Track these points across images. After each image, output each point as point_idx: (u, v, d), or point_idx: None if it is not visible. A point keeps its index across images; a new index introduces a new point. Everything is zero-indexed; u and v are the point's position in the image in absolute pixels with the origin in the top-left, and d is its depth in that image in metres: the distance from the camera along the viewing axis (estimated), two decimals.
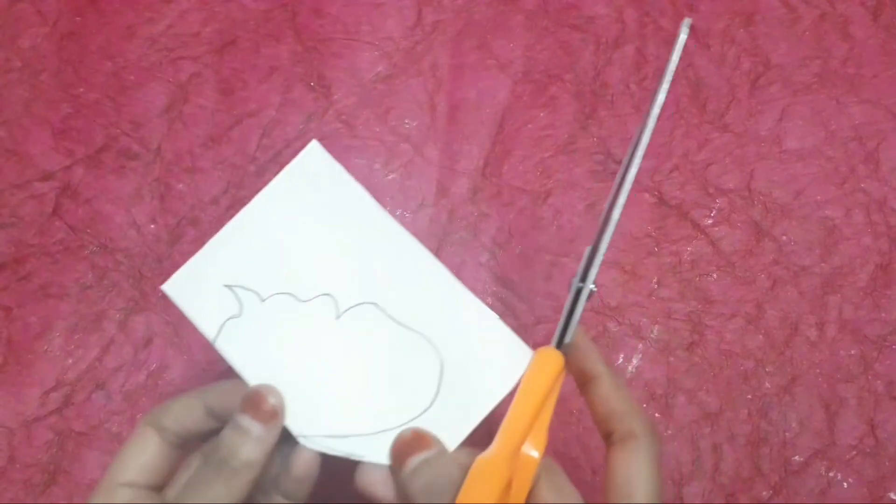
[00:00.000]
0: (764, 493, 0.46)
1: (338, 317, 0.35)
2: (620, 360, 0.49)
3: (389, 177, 0.54)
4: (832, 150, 0.53)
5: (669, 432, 0.47)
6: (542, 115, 0.55)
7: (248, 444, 0.32)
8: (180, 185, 0.53)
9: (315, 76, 0.56)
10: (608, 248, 0.51)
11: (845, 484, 0.46)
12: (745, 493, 0.46)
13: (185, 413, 0.34)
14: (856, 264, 0.50)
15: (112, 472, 0.33)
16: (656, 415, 0.47)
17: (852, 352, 0.48)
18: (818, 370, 0.48)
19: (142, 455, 0.33)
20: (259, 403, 0.33)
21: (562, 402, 0.48)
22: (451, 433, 0.33)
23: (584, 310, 0.49)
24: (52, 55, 0.57)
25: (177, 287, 0.35)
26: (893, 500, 0.45)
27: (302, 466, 0.33)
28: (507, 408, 0.33)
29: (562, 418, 0.48)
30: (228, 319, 0.35)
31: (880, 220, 0.51)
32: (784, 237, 0.51)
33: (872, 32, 0.56)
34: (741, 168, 0.53)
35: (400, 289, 0.35)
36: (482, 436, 0.34)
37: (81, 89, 0.56)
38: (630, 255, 0.51)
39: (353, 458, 0.33)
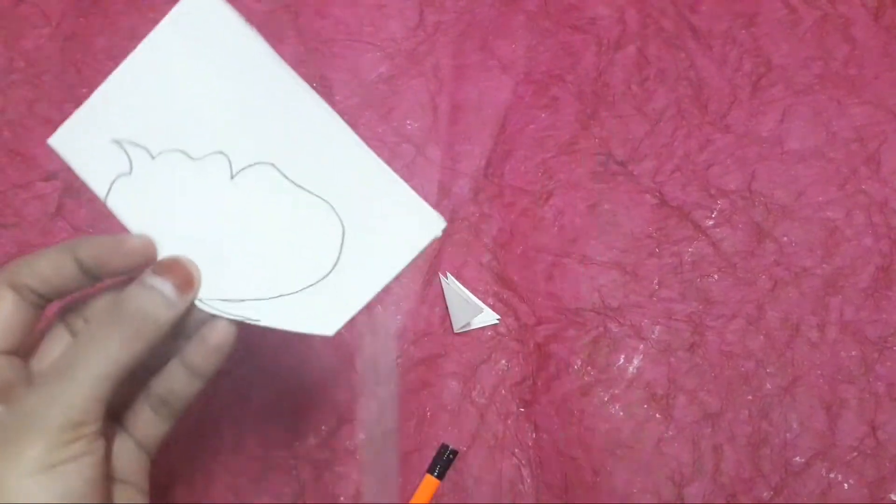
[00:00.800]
0: (765, 493, 0.46)
1: (232, 176, 0.33)
2: (621, 360, 0.49)
3: None
4: (833, 151, 0.53)
5: (670, 433, 0.47)
6: (543, 115, 0.55)
7: (157, 303, 0.30)
8: None
9: (317, 77, 0.57)
10: (608, 250, 0.51)
11: (846, 485, 0.46)
12: (745, 493, 0.46)
13: (53, 268, 0.31)
14: (857, 265, 0.50)
15: None
16: (657, 415, 0.48)
17: (853, 353, 0.48)
18: (819, 371, 0.48)
19: None
20: (172, 268, 0.31)
21: (563, 401, 0.48)
22: (351, 299, 0.32)
23: (586, 310, 0.50)
24: (55, 56, 0.57)
25: (63, 141, 0.33)
26: (894, 501, 0.45)
27: (216, 337, 0.32)
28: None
29: (563, 418, 0.48)
30: (119, 177, 0.33)
31: (881, 221, 0.51)
32: (785, 238, 0.51)
33: (874, 34, 0.56)
34: (742, 169, 0.53)
35: (301, 150, 0.33)
36: None
37: (84, 90, 0.56)
38: (631, 255, 0.51)
39: (247, 321, 0.32)
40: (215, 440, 0.48)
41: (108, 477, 0.30)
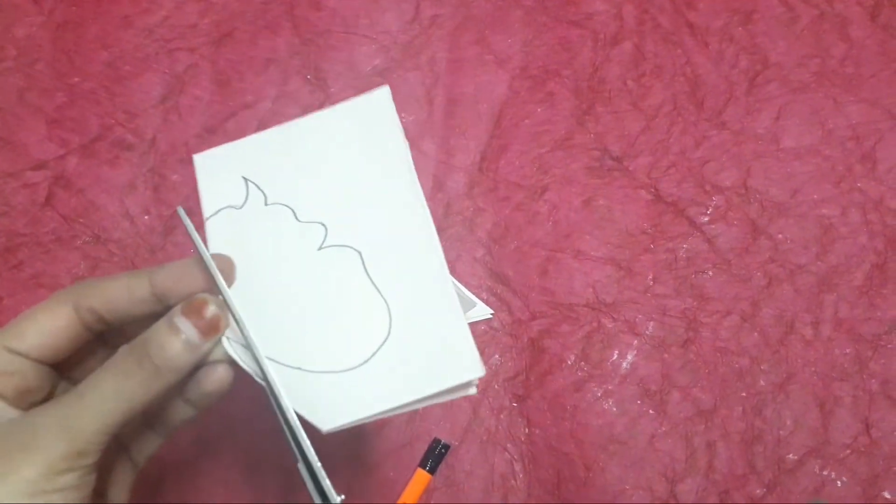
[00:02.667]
0: (758, 490, 0.46)
1: (320, 248, 0.35)
2: (615, 356, 0.49)
3: None
4: (829, 148, 0.53)
5: (663, 429, 0.47)
6: (539, 110, 0.55)
7: (179, 345, 0.30)
8: (175, 176, 0.53)
9: (312, 69, 0.56)
10: (602, 245, 0.51)
11: (839, 482, 0.45)
12: (738, 490, 0.46)
13: (125, 292, 0.31)
14: (852, 263, 0.50)
15: (4, 333, 0.31)
16: (650, 411, 0.47)
17: (847, 350, 0.48)
18: (813, 368, 0.48)
19: (44, 323, 0.31)
20: (200, 310, 0.31)
21: (556, 397, 0.48)
22: (361, 405, 0.31)
23: (580, 305, 0.50)
24: (47, 44, 0.57)
25: (205, 161, 0.36)
26: (887, 498, 0.45)
27: (211, 383, 0.32)
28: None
29: (555, 413, 0.47)
30: (229, 206, 0.35)
31: (876, 219, 0.51)
32: (780, 235, 0.51)
33: (870, 32, 0.56)
34: (738, 166, 0.53)
35: (389, 251, 0.34)
36: None
37: (76, 79, 0.56)
38: (626, 251, 0.51)
39: (258, 380, 0.32)
40: (205, 433, 0.47)
41: None
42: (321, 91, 0.56)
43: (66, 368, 0.34)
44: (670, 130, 0.54)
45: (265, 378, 0.31)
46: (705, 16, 0.57)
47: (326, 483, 0.31)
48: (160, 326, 0.30)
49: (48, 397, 0.32)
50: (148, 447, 0.35)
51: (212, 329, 0.31)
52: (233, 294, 0.33)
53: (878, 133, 0.53)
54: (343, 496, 0.31)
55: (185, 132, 0.54)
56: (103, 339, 0.35)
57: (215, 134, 0.54)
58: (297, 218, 0.35)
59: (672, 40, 0.56)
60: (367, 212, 0.35)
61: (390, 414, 0.31)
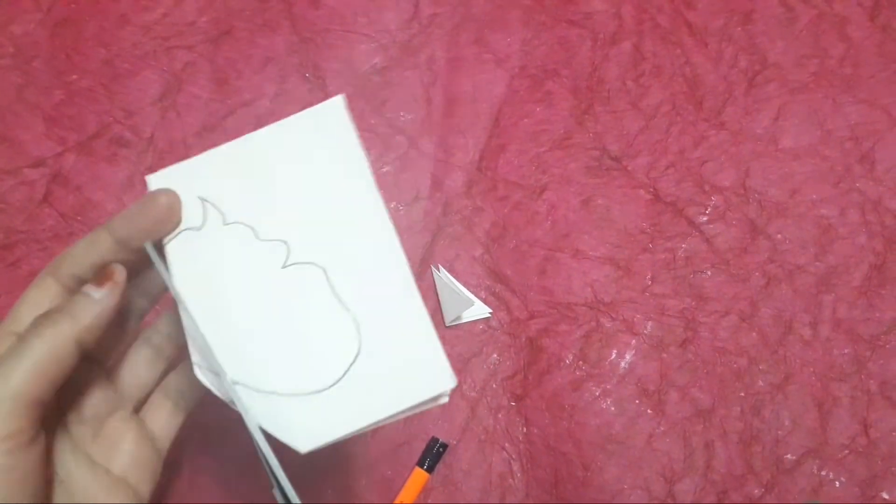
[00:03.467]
0: (756, 491, 0.46)
1: (283, 266, 0.34)
2: (613, 355, 0.48)
3: (384, 169, 0.53)
4: (828, 149, 0.53)
5: (661, 429, 0.47)
6: (538, 109, 0.55)
7: (80, 301, 0.30)
8: None
9: (310, 67, 0.56)
10: (601, 245, 0.51)
11: (837, 483, 0.45)
12: (736, 490, 0.46)
13: (89, 250, 0.32)
14: (850, 264, 0.50)
15: (5, 321, 0.31)
16: (648, 411, 0.47)
17: (846, 351, 0.48)
18: (811, 369, 0.48)
19: (36, 305, 0.31)
20: (104, 277, 0.31)
21: (554, 396, 0.48)
22: (337, 424, 0.31)
23: (578, 305, 0.50)
24: (45, 41, 0.56)
25: (159, 182, 0.35)
26: (885, 499, 0.45)
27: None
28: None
29: (553, 413, 0.47)
30: (187, 229, 0.34)
31: (875, 219, 0.51)
32: (779, 235, 0.51)
33: (869, 33, 0.56)
34: (737, 166, 0.53)
35: (354, 266, 0.33)
36: None
37: (74, 76, 0.55)
38: (624, 251, 0.51)
39: (232, 405, 0.31)
40: (203, 433, 0.47)
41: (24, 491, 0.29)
42: (320, 89, 0.55)
43: (95, 352, 0.34)
44: (669, 130, 0.54)
45: (245, 409, 0.31)
46: (704, 16, 0.57)
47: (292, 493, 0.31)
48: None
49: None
50: (172, 422, 0.36)
51: (104, 277, 0.31)
52: (198, 318, 0.33)
53: (876, 133, 0.53)
54: None
55: (183, 130, 0.54)
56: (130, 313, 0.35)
57: (214, 132, 0.54)
58: (257, 237, 0.34)
59: (671, 40, 0.56)
60: (328, 226, 0.34)
61: (367, 429, 0.31)
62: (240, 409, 0.31)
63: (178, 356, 0.37)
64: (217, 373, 0.32)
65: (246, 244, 0.34)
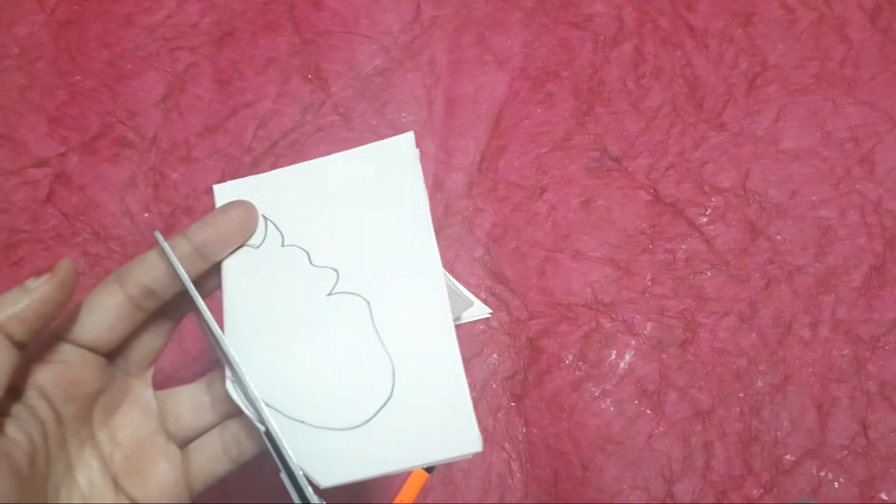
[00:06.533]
0: (755, 491, 0.46)
1: (330, 293, 0.34)
2: (613, 356, 0.49)
3: None
4: (828, 150, 0.53)
5: (661, 429, 0.47)
6: (539, 111, 0.55)
7: (17, 290, 0.28)
8: (175, 175, 0.53)
9: (312, 68, 0.56)
10: (601, 245, 0.51)
11: (836, 484, 0.45)
12: (735, 491, 0.46)
13: (150, 266, 0.31)
14: (850, 265, 0.50)
15: (59, 325, 0.30)
16: (647, 411, 0.47)
17: (845, 352, 0.48)
18: (811, 370, 0.48)
19: (95, 311, 0.30)
20: (47, 268, 0.29)
21: (553, 396, 0.48)
22: (359, 465, 0.31)
23: (578, 305, 0.50)
24: (49, 42, 0.57)
25: (224, 193, 0.35)
26: (884, 500, 0.45)
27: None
28: None
29: (553, 413, 0.47)
30: (247, 245, 0.34)
31: (875, 221, 0.51)
32: (779, 236, 0.51)
33: (870, 35, 0.56)
34: (737, 167, 0.53)
35: (398, 305, 0.33)
36: None
37: (78, 77, 0.56)
38: (624, 251, 0.51)
39: (260, 427, 0.31)
40: None
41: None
42: (321, 91, 0.56)
43: (130, 359, 0.33)
44: (669, 131, 0.54)
45: (261, 420, 0.31)
46: (705, 18, 0.57)
47: (309, 490, 0.31)
48: None
49: (99, 393, 0.31)
50: (216, 466, 0.34)
51: (46, 269, 0.29)
52: (241, 336, 0.33)
53: (876, 135, 0.53)
54: (323, 502, 0.31)
55: (185, 131, 0.54)
56: (167, 318, 0.34)
57: (216, 132, 0.54)
58: (311, 262, 0.34)
59: (672, 42, 0.57)
60: (379, 260, 0.34)
61: (388, 475, 0.31)
62: (266, 423, 0.31)
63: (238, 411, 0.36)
64: (244, 388, 0.32)
65: (299, 268, 0.34)
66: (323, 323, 0.33)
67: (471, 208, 0.53)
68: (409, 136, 0.35)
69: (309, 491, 0.31)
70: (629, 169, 0.53)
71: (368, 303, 0.33)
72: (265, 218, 0.35)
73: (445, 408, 0.32)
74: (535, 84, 0.56)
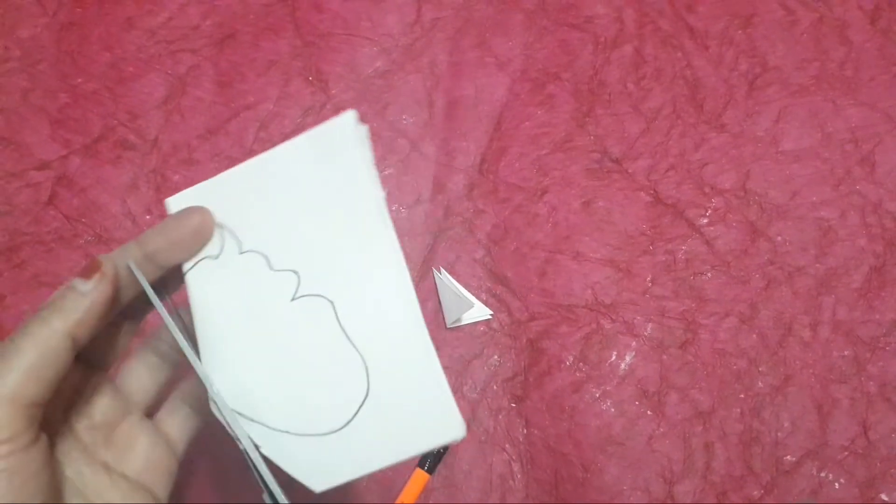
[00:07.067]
0: (755, 492, 0.46)
1: (293, 298, 0.33)
2: (613, 357, 0.49)
3: (386, 172, 0.54)
4: (828, 151, 0.53)
5: (661, 430, 0.47)
6: (539, 112, 0.55)
7: (65, 292, 0.29)
8: (176, 177, 0.53)
9: (313, 71, 0.57)
10: (601, 247, 0.51)
11: (837, 484, 0.46)
12: (736, 492, 0.46)
13: (120, 259, 0.31)
14: (850, 266, 0.50)
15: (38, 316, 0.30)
16: (648, 412, 0.47)
17: (845, 353, 0.48)
18: (811, 371, 0.48)
19: (69, 308, 0.30)
20: (91, 269, 0.30)
21: (554, 397, 0.48)
22: (349, 465, 0.31)
23: (579, 306, 0.50)
24: (51, 45, 0.57)
25: (178, 204, 0.34)
26: (885, 500, 0.45)
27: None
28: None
29: (554, 414, 0.47)
30: (206, 257, 0.33)
31: (875, 222, 0.51)
32: (779, 238, 0.51)
33: (870, 36, 0.56)
34: (737, 168, 0.53)
35: (363, 301, 0.32)
36: None
37: (80, 80, 0.56)
38: (625, 253, 0.51)
39: (241, 442, 0.32)
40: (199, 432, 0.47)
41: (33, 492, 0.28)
42: (322, 93, 0.56)
43: (95, 359, 0.34)
44: (670, 133, 0.54)
45: (255, 445, 0.32)
46: (705, 19, 0.57)
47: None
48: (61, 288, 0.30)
49: (72, 390, 0.32)
50: (188, 426, 0.36)
51: (90, 270, 0.30)
52: (215, 351, 0.33)
53: (876, 136, 0.53)
54: None
55: (187, 133, 0.55)
56: (129, 319, 0.35)
57: (217, 134, 0.54)
58: (270, 266, 0.33)
59: (672, 43, 0.57)
60: (336, 256, 0.33)
61: (380, 470, 0.31)
62: (230, 427, 0.32)
63: (185, 363, 0.37)
64: (238, 411, 0.32)
65: (260, 275, 0.33)
66: (292, 329, 0.33)
67: (471, 210, 0.53)
68: (349, 116, 0.33)
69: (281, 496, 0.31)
70: (629, 170, 0.53)
71: (332, 303, 0.32)
72: (220, 226, 0.34)
73: (424, 398, 0.31)
74: (536, 86, 0.56)
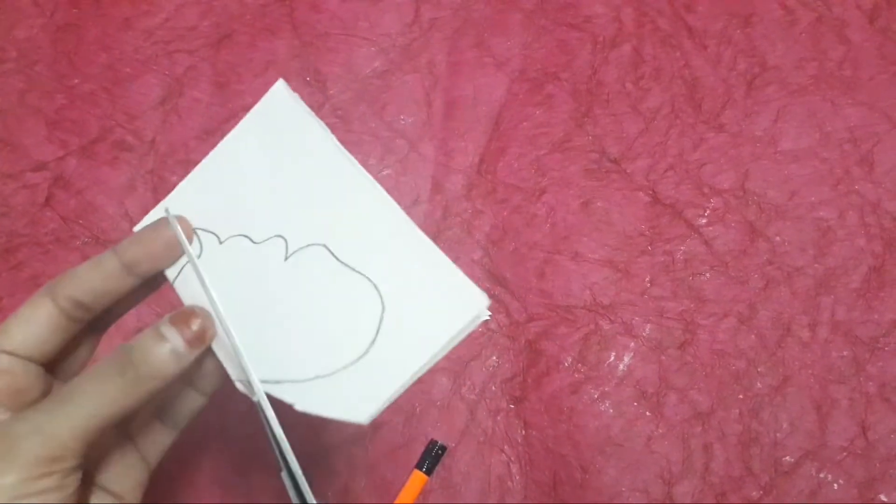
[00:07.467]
0: (754, 493, 0.46)
1: (286, 258, 0.34)
2: (612, 358, 0.49)
3: (384, 172, 0.54)
4: (827, 151, 0.53)
5: (660, 431, 0.47)
6: (538, 112, 0.55)
7: (164, 353, 0.30)
8: (174, 178, 0.53)
9: (311, 71, 0.56)
10: (600, 247, 0.51)
11: (836, 485, 0.45)
12: (735, 493, 0.46)
13: (93, 272, 0.32)
14: (849, 266, 0.50)
15: None
16: (647, 413, 0.47)
17: (844, 353, 0.48)
18: (810, 371, 0.48)
19: (29, 321, 0.31)
20: (188, 320, 0.31)
21: (552, 398, 0.48)
22: (386, 383, 0.31)
23: (577, 307, 0.50)
24: (47, 46, 0.57)
25: (157, 216, 0.35)
26: (884, 501, 0.45)
27: (212, 363, 0.33)
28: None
29: (552, 415, 0.47)
30: (188, 263, 0.34)
31: (874, 222, 0.51)
32: (778, 238, 0.51)
33: (869, 35, 0.56)
34: (736, 168, 0.53)
35: (350, 230, 0.33)
36: None
37: (76, 80, 0.56)
38: (623, 253, 0.51)
39: (285, 402, 0.31)
40: (200, 432, 0.47)
41: None
42: (320, 93, 0.56)
43: (58, 369, 0.34)
44: (668, 133, 0.54)
45: (252, 389, 0.32)
46: (704, 19, 0.57)
47: (306, 488, 0.31)
48: (147, 334, 0.31)
49: (42, 399, 0.32)
50: (158, 441, 0.35)
51: (198, 340, 0.31)
52: (222, 342, 0.33)
53: (875, 136, 0.53)
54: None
55: (184, 134, 0.54)
56: (93, 331, 0.35)
57: (214, 135, 0.54)
58: (254, 241, 0.34)
59: (670, 43, 0.57)
60: (316, 205, 0.34)
61: (419, 375, 0.31)
62: (254, 387, 0.32)
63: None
64: (264, 380, 0.32)
65: (246, 252, 0.34)
66: (294, 284, 0.33)
67: (470, 210, 0.53)
68: (278, 84, 0.35)
69: (307, 490, 0.31)
70: (628, 170, 0.53)
71: (325, 245, 0.33)
72: (194, 229, 0.35)
73: (438, 287, 0.31)
74: (534, 86, 0.56)
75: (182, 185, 0.36)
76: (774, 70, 0.55)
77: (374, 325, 0.32)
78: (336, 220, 0.34)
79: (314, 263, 0.33)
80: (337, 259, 0.33)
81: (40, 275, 0.51)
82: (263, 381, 0.32)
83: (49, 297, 0.32)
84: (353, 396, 0.31)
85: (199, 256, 0.34)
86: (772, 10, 0.57)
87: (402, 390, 0.31)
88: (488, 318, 0.31)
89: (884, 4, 0.57)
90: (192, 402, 0.35)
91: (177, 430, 0.35)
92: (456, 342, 0.31)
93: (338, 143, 0.34)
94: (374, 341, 0.31)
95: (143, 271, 0.33)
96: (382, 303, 0.32)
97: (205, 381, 0.34)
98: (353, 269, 0.33)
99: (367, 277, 0.32)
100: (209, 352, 0.33)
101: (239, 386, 0.32)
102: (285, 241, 0.34)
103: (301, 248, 0.34)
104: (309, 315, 0.33)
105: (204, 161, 0.36)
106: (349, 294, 0.32)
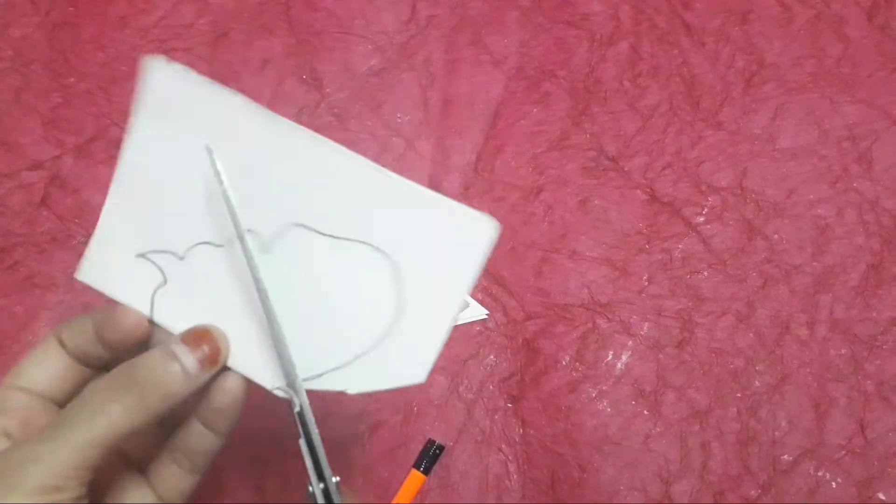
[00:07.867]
0: (752, 491, 0.46)
1: (265, 250, 0.31)
2: (610, 356, 0.48)
3: None
4: (825, 149, 0.53)
5: (658, 430, 0.47)
6: (535, 110, 0.55)
7: (174, 374, 0.29)
8: None
9: (307, 69, 0.56)
10: (597, 245, 0.51)
11: (834, 483, 0.45)
12: (733, 491, 0.46)
13: (78, 332, 0.31)
14: (847, 264, 0.50)
15: (9, 376, 0.31)
16: (645, 412, 0.47)
17: (843, 351, 0.48)
18: (808, 369, 0.48)
19: (41, 362, 0.31)
20: (201, 339, 0.30)
21: (550, 397, 0.48)
22: (428, 337, 0.30)
23: (575, 306, 0.50)
24: (43, 45, 0.57)
25: (89, 272, 0.32)
26: (882, 500, 0.45)
27: (222, 398, 0.31)
28: None
29: (550, 414, 0.47)
30: (157, 290, 0.31)
31: (872, 219, 0.51)
32: (776, 236, 0.51)
33: (867, 32, 0.56)
34: (734, 166, 0.53)
35: (320, 198, 0.30)
36: None
37: (72, 79, 0.56)
38: (621, 251, 0.51)
39: (334, 391, 0.30)
40: None
41: None
42: (317, 91, 0.56)
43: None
44: (666, 131, 0.54)
45: (343, 390, 0.30)
46: (702, 16, 0.57)
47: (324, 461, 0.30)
48: (154, 352, 0.29)
49: None
50: (175, 486, 0.33)
51: (211, 361, 0.30)
52: (241, 348, 0.31)
53: (874, 133, 0.53)
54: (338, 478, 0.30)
55: None
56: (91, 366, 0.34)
57: None
58: (217, 244, 0.31)
59: (668, 41, 0.56)
60: (267, 182, 0.30)
61: (459, 314, 0.30)
62: (301, 405, 0.30)
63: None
64: (305, 378, 0.30)
65: (214, 259, 0.31)
66: (288, 275, 0.31)
67: None
68: (156, 63, 0.31)
69: (332, 486, 0.30)
70: (626, 168, 0.53)
71: (303, 224, 0.31)
72: (143, 256, 0.31)
73: (444, 227, 0.30)
74: (532, 84, 0.56)
75: (105, 213, 0.32)
76: (772, 67, 0.55)
77: (391, 287, 0.30)
78: (300, 191, 0.30)
79: (300, 245, 0.31)
80: (322, 234, 0.30)
81: (36, 274, 0.50)
82: (304, 380, 0.30)
83: (56, 340, 0.31)
84: (401, 361, 0.30)
85: (165, 283, 0.31)
86: (769, 6, 0.57)
87: (447, 337, 0.30)
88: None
89: (882, 1, 0.56)
90: (208, 444, 0.32)
91: (197, 474, 0.33)
92: (479, 270, 0.30)
93: (258, 105, 0.30)
94: (398, 302, 0.30)
95: (116, 348, 0.31)
96: (392, 260, 0.30)
97: (219, 419, 0.32)
98: (346, 239, 0.30)
99: (364, 242, 0.30)
100: (223, 389, 0.31)
101: (278, 393, 0.31)
102: (254, 232, 0.31)
103: (275, 234, 0.31)
104: (320, 299, 0.31)
105: (115, 177, 0.32)
106: (352, 264, 0.30)
